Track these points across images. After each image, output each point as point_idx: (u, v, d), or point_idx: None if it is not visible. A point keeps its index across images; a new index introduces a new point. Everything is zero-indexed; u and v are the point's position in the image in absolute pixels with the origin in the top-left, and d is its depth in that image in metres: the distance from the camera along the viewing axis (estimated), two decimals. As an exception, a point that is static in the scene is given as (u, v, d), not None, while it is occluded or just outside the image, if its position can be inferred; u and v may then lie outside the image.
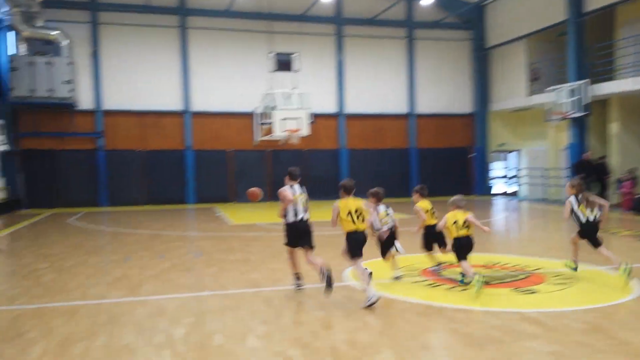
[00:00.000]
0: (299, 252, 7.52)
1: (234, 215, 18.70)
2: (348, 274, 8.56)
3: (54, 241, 12.95)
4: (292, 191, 7.43)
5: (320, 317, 6.31)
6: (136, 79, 22.93)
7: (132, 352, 5.25)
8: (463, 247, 7.56)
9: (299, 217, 7.41)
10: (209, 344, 5.45)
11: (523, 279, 8.12)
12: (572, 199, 7.97)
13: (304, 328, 5.91)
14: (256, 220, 17.04)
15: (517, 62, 24.69)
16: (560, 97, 20.31)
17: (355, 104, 25.55)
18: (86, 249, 11.79)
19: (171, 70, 23.35)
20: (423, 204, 8.45)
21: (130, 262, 10.04)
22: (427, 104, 26.46)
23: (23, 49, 20.88)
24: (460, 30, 26.77)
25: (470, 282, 7.31)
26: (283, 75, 21.18)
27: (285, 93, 20.67)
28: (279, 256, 9.77)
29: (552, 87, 20.71)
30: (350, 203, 7.00)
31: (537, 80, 23.89)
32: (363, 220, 7.02)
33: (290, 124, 20.09)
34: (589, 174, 20.23)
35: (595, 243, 7.85)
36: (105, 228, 15.93)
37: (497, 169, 28.09)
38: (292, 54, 20.80)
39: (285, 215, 7.41)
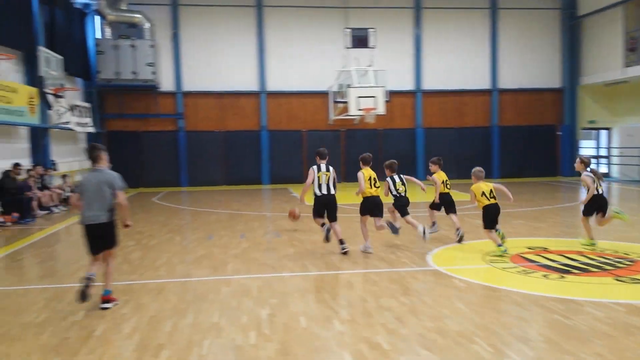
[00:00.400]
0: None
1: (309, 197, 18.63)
2: (431, 258, 8.25)
3: (139, 219, 13.42)
4: (317, 169, 8.76)
5: (405, 303, 6.06)
6: (214, 60, 23.30)
7: (219, 331, 5.25)
8: (492, 214, 8.31)
9: (322, 191, 8.73)
10: (294, 327, 5.35)
11: (626, 267, 7.46)
12: None
13: (390, 313, 5.68)
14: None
15: (613, 31, 22.86)
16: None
17: (434, 80, 24.69)
18: (170, 228, 12.14)
19: (247, 50, 23.53)
20: (439, 175, 9.75)
21: (212, 241, 10.21)
22: (511, 78, 25.12)
23: (108, 32, 21.70)
24: (548, -2, 25.12)
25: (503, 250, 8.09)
26: (359, 52, 20.72)
27: (360, 70, 20.23)
28: (355, 238, 9.57)
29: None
30: (370, 172, 8.74)
31: (635, 51, 22.05)
32: (377, 187, 8.74)
33: (365, 102, 19.68)
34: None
35: None
36: (186, 207, 16.39)
37: (586, 148, 26.40)
38: (369, 29, 20.26)
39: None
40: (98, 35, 22.10)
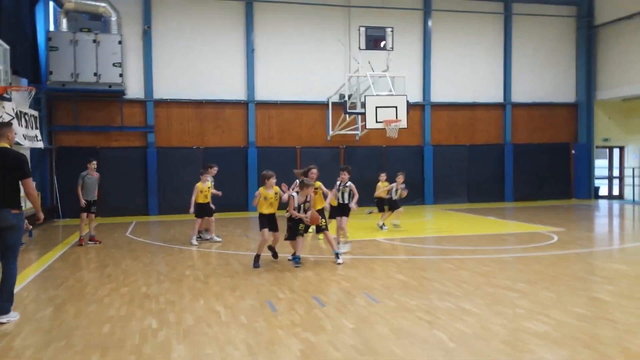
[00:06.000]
0: None
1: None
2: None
3: (132, 269, 9.42)
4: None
5: None
6: (193, 62, 19.46)
7: None
8: None
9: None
10: None
11: None
12: None
13: None
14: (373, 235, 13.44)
15: (635, 42, 20.83)
16: None
17: (443, 92, 21.83)
18: (189, 284, 8.25)
19: (234, 51, 19.84)
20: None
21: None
22: (525, 91, 22.66)
23: (64, 24, 17.41)
24: (565, 6, 22.91)
25: None
26: (370, 55, 17.51)
27: (374, 76, 17.01)
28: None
29: None
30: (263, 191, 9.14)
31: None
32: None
33: (385, 113, 16.45)
34: None
35: None
36: (180, 246, 12.40)
37: (600, 167, 24.25)
38: (387, 28, 17.12)
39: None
40: (51, 27, 17.80)
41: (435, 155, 21.66)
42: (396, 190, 13.93)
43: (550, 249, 10.63)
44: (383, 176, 15.09)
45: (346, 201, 10.37)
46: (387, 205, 14.28)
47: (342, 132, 19.81)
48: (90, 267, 9.74)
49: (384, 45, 17.04)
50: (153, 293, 7.55)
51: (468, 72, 22.06)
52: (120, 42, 17.41)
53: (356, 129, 20.09)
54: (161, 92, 19.22)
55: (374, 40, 17.12)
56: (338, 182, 10.52)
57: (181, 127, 19.54)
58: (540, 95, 22.85)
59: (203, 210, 12.20)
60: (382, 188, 14.58)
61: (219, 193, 12.85)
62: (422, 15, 21.46)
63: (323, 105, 20.27)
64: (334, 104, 19.91)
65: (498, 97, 22.45)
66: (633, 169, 22.37)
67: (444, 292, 7.15)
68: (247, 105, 19.97)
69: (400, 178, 13.99)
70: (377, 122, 16.37)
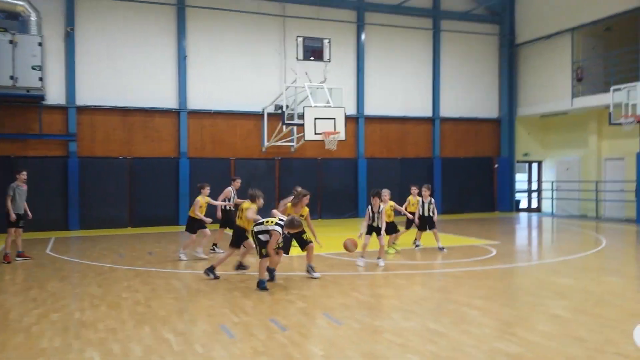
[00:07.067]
0: None
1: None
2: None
3: (60, 293, 8.54)
4: None
5: None
6: (120, 67, 18.37)
7: None
8: None
9: None
10: None
11: None
12: None
13: None
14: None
15: (555, 61, 22.08)
16: (632, 97, 17.66)
17: (376, 105, 22.04)
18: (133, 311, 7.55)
19: (165, 57, 18.96)
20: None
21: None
22: (453, 106, 23.36)
23: (-24, 22, 15.97)
24: (489, 24, 23.92)
25: None
26: (305, 67, 17.29)
27: (312, 87, 16.82)
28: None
29: (624, 85, 18.02)
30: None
31: (581, 81, 21.37)
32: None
33: (323, 125, 16.28)
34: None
35: None
36: (109, 264, 11.50)
37: (520, 181, 25.42)
38: (324, 39, 17.00)
39: None
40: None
41: (368, 167, 21.77)
42: (428, 204, 12.41)
43: (493, 262, 10.82)
44: (415, 190, 12.98)
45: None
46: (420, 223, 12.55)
47: (278, 143, 19.46)
48: (11, 290, 8.77)
49: (322, 56, 16.91)
50: (89, 320, 6.83)
51: (400, 86, 22.44)
52: (40, 44, 16.09)
53: (292, 140, 19.83)
54: (84, 98, 18.00)
55: (312, 50, 16.91)
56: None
57: (106, 135, 18.38)
58: (466, 110, 23.66)
59: (198, 224, 11.53)
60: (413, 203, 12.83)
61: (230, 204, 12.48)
62: (356, 29, 21.61)
63: (258, 115, 19.85)
64: (269, 114, 19.55)
65: (427, 112, 22.99)
66: (552, 183, 23.58)
67: (406, 310, 6.98)
68: (178, 114, 19.14)
69: (425, 191, 12.54)
70: (315, 133, 16.15)
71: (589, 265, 10.54)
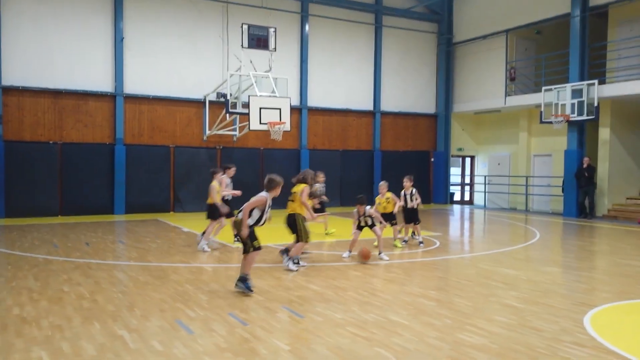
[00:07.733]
0: None
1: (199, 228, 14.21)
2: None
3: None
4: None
5: None
6: (50, 46, 17.30)
7: None
8: None
9: None
10: None
11: None
12: None
13: None
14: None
15: (491, 60, 22.90)
16: (562, 97, 18.66)
17: (319, 97, 22.03)
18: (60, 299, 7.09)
19: (99, 37, 18.02)
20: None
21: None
22: (393, 101, 23.76)
23: None
24: (428, 22, 24.44)
25: None
26: (250, 55, 16.98)
27: (257, 76, 16.54)
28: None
29: (554, 87, 18.97)
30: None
31: (514, 81, 22.31)
32: None
33: (269, 115, 16.06)
34: (587, 182, 18.97)
35: None
36: (42, 255, 10.81)
37: (454, 175, 26.29)
38: (270, 28, 16.72)
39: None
40: None
41: (311, 158, 21.74)
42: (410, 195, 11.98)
43: (438, 253, 11.10)
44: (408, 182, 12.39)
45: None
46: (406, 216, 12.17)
47: (220, 132, 19.04)
48: (-64, 286, 8.04)
49: (267, 45, 16.65)
50: (30, 316, 6.37)
51: (343, 78, 22.53)
52: (-39, 17, 14.88)
53: (234, 129, 19.45)
54: (11, 78, 16.81)
55: (257, 39, 16.64)
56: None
57: (35, 118, 17.27)
58: (405, 105, 24.11)
59: (218, 211, 11.06)
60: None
61: (238, 193, 11.93)
62: (300, 20, 21.44)
63: (199, 102, 19.34)
64: (211, 102, 19.08)
65: (368, 105, 23.24)
66: (485, 177, 24.52)
67: (365, 302, 6.99)
68: (114, 98, 18.27)
69: (407, 182, 12.21)
70: (261, 123, 15.92)
71: (528, 256, 11.03)
